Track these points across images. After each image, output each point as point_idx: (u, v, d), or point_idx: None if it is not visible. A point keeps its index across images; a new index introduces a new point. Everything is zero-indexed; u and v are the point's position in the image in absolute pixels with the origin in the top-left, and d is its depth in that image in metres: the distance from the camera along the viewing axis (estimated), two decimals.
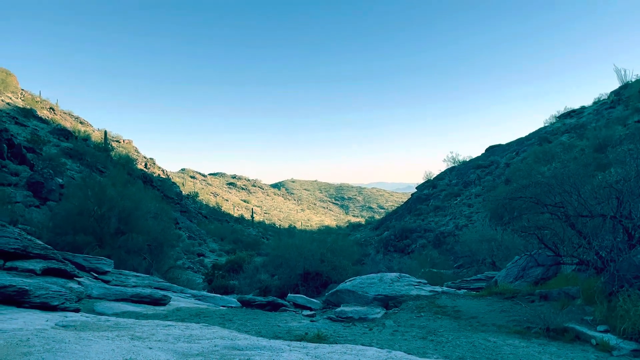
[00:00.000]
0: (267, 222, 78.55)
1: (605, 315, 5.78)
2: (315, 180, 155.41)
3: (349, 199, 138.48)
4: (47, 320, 4.43)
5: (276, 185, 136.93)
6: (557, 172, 10.91)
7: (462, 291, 9.48)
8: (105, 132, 45.78)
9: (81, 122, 48.31)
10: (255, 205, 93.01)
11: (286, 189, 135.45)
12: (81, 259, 9.53)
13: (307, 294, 12.23)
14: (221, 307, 8.77)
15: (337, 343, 5.03)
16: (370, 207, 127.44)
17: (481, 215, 26.62)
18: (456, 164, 46.55)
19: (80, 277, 7.92)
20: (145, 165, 53.61)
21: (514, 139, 43.89)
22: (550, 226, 7.78)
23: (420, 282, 9.83)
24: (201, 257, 31.03)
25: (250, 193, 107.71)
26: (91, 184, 15.80)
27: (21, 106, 37.38)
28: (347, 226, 66.84)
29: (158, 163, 60.62)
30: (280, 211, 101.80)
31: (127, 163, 40.81)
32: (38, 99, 43.97)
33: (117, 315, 6.26)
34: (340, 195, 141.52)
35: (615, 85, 36.07)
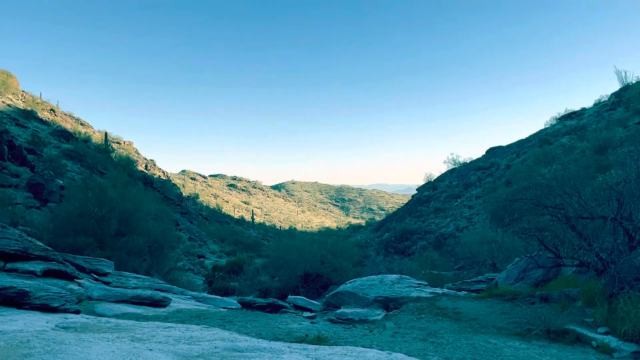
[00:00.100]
0: (267, 223, 78.56)
1: (606, 317, 5.77)
2: (316, 182, 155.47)
3: (350, 200, 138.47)
4: (47, 322, 4.44)
5: (276, 187, 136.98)
6: (558, 173, 10.91)
7: (463, 293, 9.48)
8: (106, 134, 45.80)
9: (82, 124, 48.37)
10: (256, 207, 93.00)
11: (286, 191, 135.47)
12: (81, 260, 9.52)
13: (308, 296, 12.22)
14: (221, 309, 8.76)
15: (337, 345, 5.03)
16: (370, 209, 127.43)
17: (482, 217, 26.60)
18: (457, 166, 46.54)
19: (81, 279, 7.91)
20: (146, 166, 53.64)
21: (515, 141, 43.88)
22: (550, 228, 7.78)
23: (420, 283, 9.83)
24: (201, 259, 31.04)
25: (251, 194, 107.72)
26: (92, 185, 15.82)
27: (22, 108, 37.43)
28: (348, 228, 66.88)
29: (158, 164, 60.69)
30: (280, 213, 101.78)
31: (127, 164, 40.81)
32: (39, 101, 44.03)
33: (117, 316, 6.26)
34: (340, 197, 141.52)
35: (616, 87, 36.11)
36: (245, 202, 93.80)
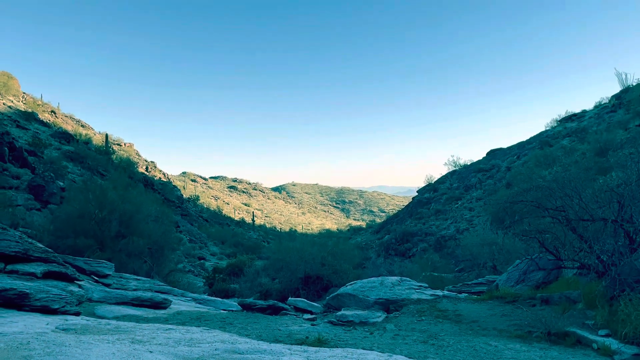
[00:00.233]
0: (268, 225, 78.57)
1: (607, 320, 5.76)
2: (316, 184, 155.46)
3: (350, 202, 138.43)
4: (47, 324, 4.43)
5: (277, 189, 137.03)
6: (558, 175, 10.90)
7: (463, 295, 9.47)
8: (107, 136, 45.88)
9: (82, 126, 48.44)
10: (256, 209, 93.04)
11: (287, 193, 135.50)
12: (82, 262, 9.53)
13: (308, 298, 12.21)
14: (222, 311, 8.75)
15: (337, 347, 5.02)
16: (371, 211, 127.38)
17: (482, 219, 26.60)
18: (457, 168, 46.55)
19: (81, 281, 7.91)
20: (147, 168, 53.68)
21: (515, 143, 43.92)
22: (551, 230, 7.77)
23: (421, 285, 9.82)
24: (202, 261, 31.05)
25: (251, 196, 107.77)
26: (92, 187, 15.84)
27: (23, 109, 37.51)
28: (348, 230, 66.86)
29: (159, 166, 60.75)
30: (281, 214, 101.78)
31: (128, 166, 40.86)
32: (39, 102, 44.10)
33: (117, 318, 6.25)
34: (341, 199, 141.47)
35: (617, 89, 36.14)
36: (245, 204, 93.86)
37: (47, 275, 6.58)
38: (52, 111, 44.39)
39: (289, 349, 4.21)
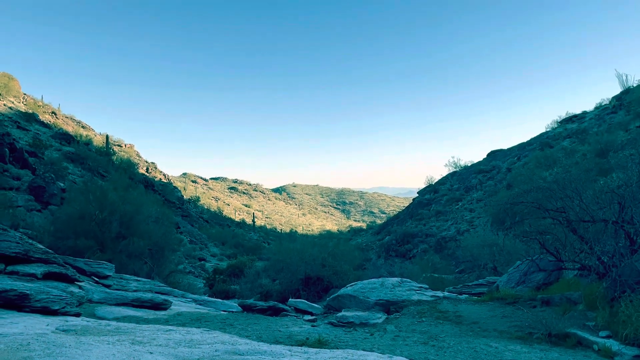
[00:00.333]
0: (268, 226, 78.57)
1: (608, 321, 5.75)
2: (317, 185, 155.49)
3: (351, 203, 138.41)
4: (47, 325, 4.43)
5: (277, 190, 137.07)
6: (559, 177, 10.89)
7: (464, 296, 9.45)
8: (107, 137, 45.91)
9: (83, 127, 48.50)
10: (257, 210, 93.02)
11: (287, 194, 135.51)
12: (82, 263, 9.52)
13: (309, 299, 12.20)
14: (222, 312, 8.75)
15: (338, 348, 5.01)
16: (371, 212, 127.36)
17: (483, 220, 26.59)
18: (458, 169, 46.55)
19: (81, 282, 7.91)
20: (147, 169, 53.72)
21: (516, 144, 43.93)
22: (552, 231, 7.77)
23: (421, 287, 9.81)
24: (202, 262, 31.03)
25: (252, 197, 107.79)
26: (93, 188, 15.84)
27: (23, 110, 37.56)
28: (349, 231, 66.84)
29: (159, 167, 60.82)
30: (281, 216, 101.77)
31: (128, 167, 40.89)
32: (40, 103, 44.16)
33: (117, 319, 6.25)
34: (341, 200, 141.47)
35: (617, 90, 36.15)
36: (246, 205, 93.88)
37: (48, 276, 6.57)
38: (52, 112, 44.44)
39: (289, 350, 4.20)
